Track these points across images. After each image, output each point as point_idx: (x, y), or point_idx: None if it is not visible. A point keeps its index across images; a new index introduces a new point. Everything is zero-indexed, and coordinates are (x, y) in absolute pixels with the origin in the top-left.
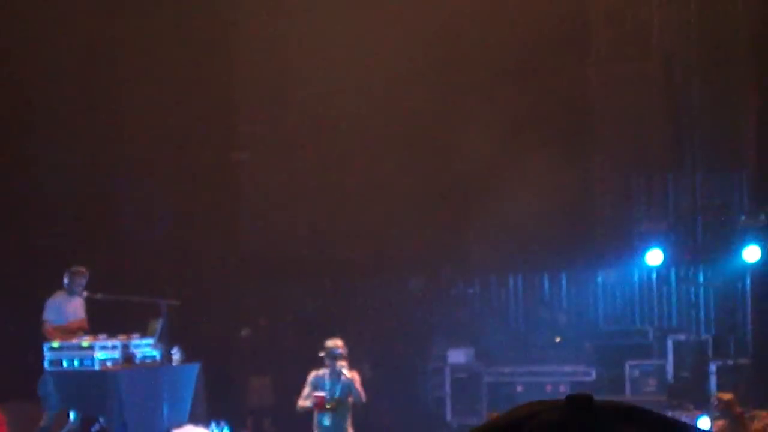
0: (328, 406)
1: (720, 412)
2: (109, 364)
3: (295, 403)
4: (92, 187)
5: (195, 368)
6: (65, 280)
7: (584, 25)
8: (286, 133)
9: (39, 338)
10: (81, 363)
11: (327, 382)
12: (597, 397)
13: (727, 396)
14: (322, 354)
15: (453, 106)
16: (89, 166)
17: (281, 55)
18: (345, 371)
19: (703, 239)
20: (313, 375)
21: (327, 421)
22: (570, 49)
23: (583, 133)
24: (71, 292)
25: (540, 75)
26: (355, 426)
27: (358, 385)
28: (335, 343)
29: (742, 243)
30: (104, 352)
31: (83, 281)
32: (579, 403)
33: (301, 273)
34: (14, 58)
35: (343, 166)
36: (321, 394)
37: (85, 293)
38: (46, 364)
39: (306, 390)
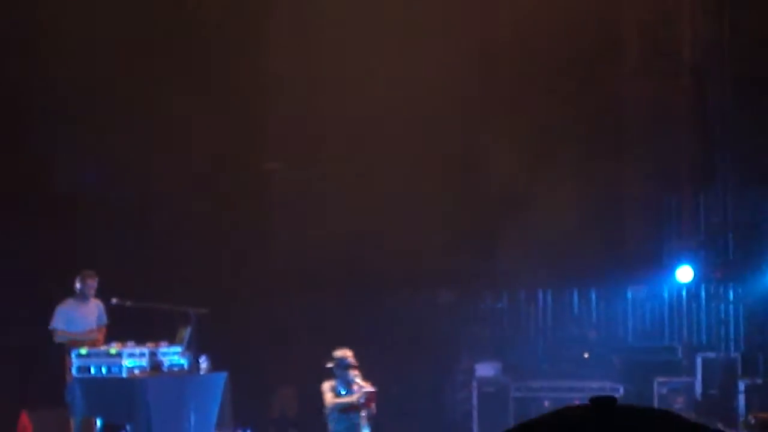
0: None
1: (756, 430)
2: (136, 371)
3: (322, 408)
4: (124, 194)
5: (222, 377)
6: (77, 285)
7: (617, 39)
8: (319, 144)
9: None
10: (108, 370)
11: (343, 392)
12: None
13: (764, 415)
14: (330, 365)
15: (485, 121)
16: (122, 173)
17: (316, 66)
18: (359, 380)
19: (733, 256)
20: (327, 386)
21: (358, 430)
22: (602, 63)
23: (615, 148)
24: (84, 297)
25: (571, 90)
26: None
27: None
28: (344, 353)
29: None
30: (132, 359)
31: (95, 284)
32: (602, 404)
33: (329, 284)
34: (45, 57)
35: (375, 179)
36: (372, 389)
37: (114, 300)
38: (73, 371)
39: (329, 395)
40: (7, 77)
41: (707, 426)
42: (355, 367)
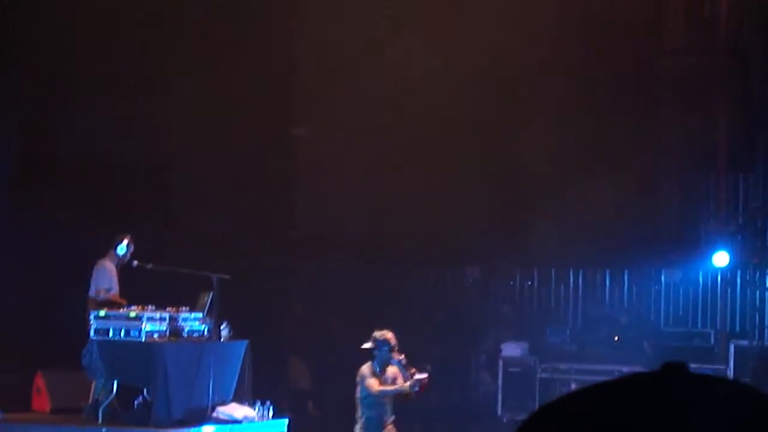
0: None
1: None
2: (155, 336)
3: (359, 392)
4: (147, 158)
5: (243, 345)
6: (124, 249)
7: (657, 17)
8: (347, 112)
9: (81, 307)
10: (127, 333)
11: (384, 375)
12: None
13: None
14: (369, 346)
15: (518, 96)
16: (144, 137)
17: (344, 32)
18: (403, 364)
19: None
20: (368, 370)
21: (387, 414)
22: (641, 41)
23: (652, 128)
24: (121, 262)
25: (609, 69)
26: (402, 417)
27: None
28: (386, 335)
29: None
30: (151, 323)
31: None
32: (675, 368)
33: (355, 256)
34: (70, 30)
35: (404, 151)
36: (425, 376)
37: (135, 262)
38: (91, 333)
39: (373, 380)
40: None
41: None
42: (398, 351)
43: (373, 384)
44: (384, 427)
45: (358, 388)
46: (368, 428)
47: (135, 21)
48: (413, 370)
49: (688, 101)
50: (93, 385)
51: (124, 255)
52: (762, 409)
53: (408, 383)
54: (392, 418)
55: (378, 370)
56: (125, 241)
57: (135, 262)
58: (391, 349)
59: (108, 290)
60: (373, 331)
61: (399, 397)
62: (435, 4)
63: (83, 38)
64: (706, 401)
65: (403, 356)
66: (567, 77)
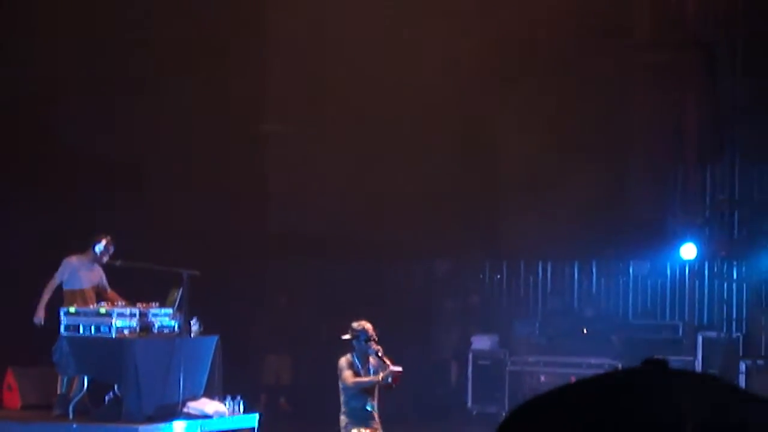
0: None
1: None
2: (126, 332)
3: (339, 383)
4: (120, 154)
5: (213, 341)
6: (102, 247)
7: (627, 12)
8: (318, 107)
9: (54, 303)
10: (98, 330)
11: (361, 366)
12: None
13: None
14: (347, 337)
15: (489, 90)
16: (119, 132)
17: (318, 26)
18: (380, 354)
19: (739, 235)
20: (345, 362)
21: (370, 406)
22: (610, 36)
23: (621, 121)
24: (97, 261)
25: (578, 64)
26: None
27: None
28: (364, 325)
29: None
30: (122, 319)
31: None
32: (656, 364)
33: (325, 251)
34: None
35: (374, 147)
36: (399, 369)
37: (104, 259)
38: (61, 329)
39: (348, 372)
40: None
41: (758, 396)
42: (375, 341)
43: (348, 376)
44: (369, 417)
45: (341, 379)
46: (352, 417)
47: (117, 20)
48: (388, 361)
49: (656, 95)
50: (59, 380)
51: (101, 254)
52: (743, 404)
53: (381, 375)
54: (376, 408)
55: (358, 361)
56: (103, 241)
57: (103, 260)
58: (368, 339)
59: (60, 281)
60: (348, 324)
61: (383, 387)
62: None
63: (65, 35)
64: (690, 397)
65: (379, 347)
66: (536, 73)
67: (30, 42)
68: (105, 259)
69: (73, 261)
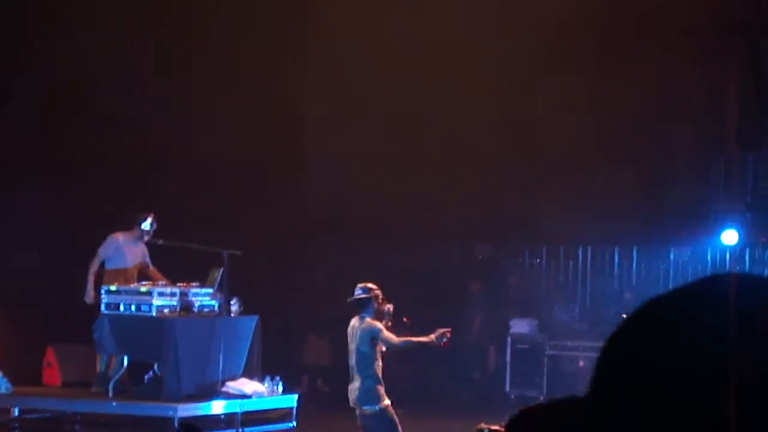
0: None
1: None
2: (166, 311)
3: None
4: (162, 135)
5: (253, 321)
6: (148, 225)
7: None
8: (360, 88)
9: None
10: (138, 308)
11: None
12: None
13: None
14: (367, 295)
15: (530, 75)
16: (160, 113)
17: (359, 8)
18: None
19: None
20: (378, 324)
21: (382, 378)
22: (651, 22)
23: (663, 107)
24: (142, 238)
25: (619, 50)
26: (411, 394)
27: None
28: (374, 286)
29: None
30: (162, 298)
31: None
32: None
33: (366, 233)
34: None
35: (416, 128)
36: (449, 329)
37: (149, 236)
38: (102, 308)
39: (390, 333)
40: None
41: None
42: (386, 300)
43: (393, 336)
44: (383, 393)
45: (369, 345)
46: (369, 395)
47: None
48: (404, 319)
49: (698, 80)
50: (98, 359)
51: (147, 231)
52: None
53: (434, 335)
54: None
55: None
56: (149, 219)
57: (146, 238)
58: (381, 300)
59: (104, 259)
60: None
61: (434, 346)
62: None
63: (102, 12)
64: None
65: (390, 305)
66: (577, 58)
67: (71, 22)
68: (149, 236)
69: (118, 238)
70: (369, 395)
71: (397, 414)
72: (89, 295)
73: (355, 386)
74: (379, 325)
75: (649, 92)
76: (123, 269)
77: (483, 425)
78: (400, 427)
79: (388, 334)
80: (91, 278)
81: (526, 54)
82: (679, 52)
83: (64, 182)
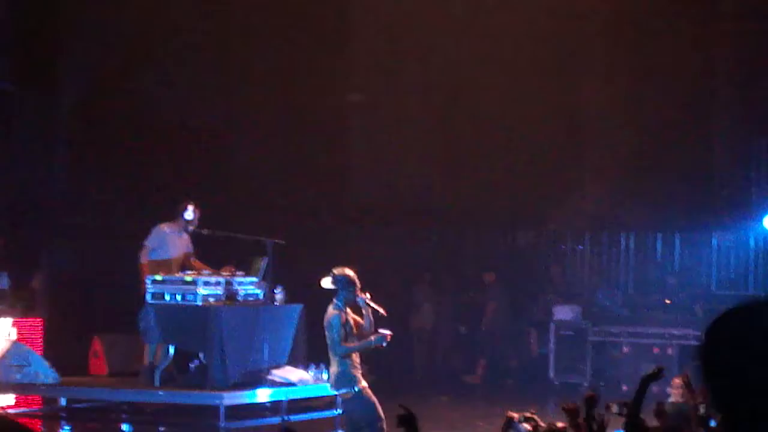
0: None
1: None
2: (211, 300)
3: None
4: (206, 124)
5: (297, 309)
6: (190, 214)
7: None
8: (402, 77)
9: (138, 272)
10: (183, 297)
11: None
12: None
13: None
14: (335, 286)
15: (573, 57)
16: (203, 104)
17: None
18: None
19: None
20: (338, 316)
21: (358, 363)
22: (694, 6)
23: (706, 93)
24: (186, 228)
25: (662, 36)
26: (453, 379)
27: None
28: (350, 273)
29: None
30: (207, 288)
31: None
32: None
33: (408, 221)
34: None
35: (458, 116)
36: (389, 332)
37: (190, 227)
38: (148, 297)
39: (342, 333)
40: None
41: None
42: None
43: (342, 338)
44: (359, 375)
45: (328, 336)
46: (344, 378)
47: None
48: (379, 308)
49: (742, 66)
50: (146, 349)
51: (192, 220)
52: None
53: (373, 339)
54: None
55: (343, 309)
56: (190, 208)
57: (191, 228)
58: (356, 287)
59: (152, 249)
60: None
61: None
62: None
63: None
64: None
65: (366, 294)
66: (620, 45)
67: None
68: (193, 225)
69: (164, 229)
70: (344, 379)
71: (441, 402)
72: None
73: (331, 371)
74: (337, 320)
75: (690, 77)
76: (166, 260)
77: (511, 413)
78: (379, 409)
79: (335, 336)
80: (145, 271)
81: (568, 40)
82: (721, 35)
83: (108, 171)
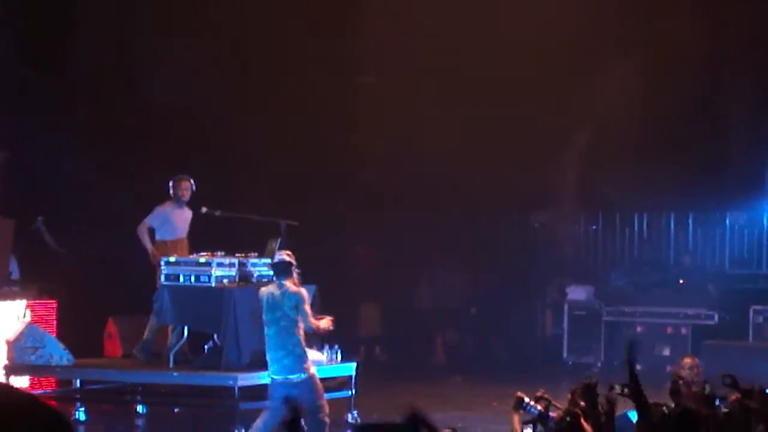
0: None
1: None
2: (225, 281)
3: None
4: (215, 108)
5: (311, 290)
6: (173, 188)
7: None
8: (413, 58)
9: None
10: (197, 279)
11: None
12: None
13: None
14: (288, 260)
15: (589, 39)
16: (215, 85)
17: None
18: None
19: None
20: (306, 294)
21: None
22: None
23: (717, 70)
24: (179, 202)
25: (677, 17)
26: (468, 361)
27: None
28: (288, 253)
29: None
30: (221, 269)
31: (188, 190)
32: None
33: (420, 202)
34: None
35: (469, 97)
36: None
37: (204, 209)
38: (162, 279)
39: (308, 307)
40: None
41: None
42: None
43: (310, 312)
44: (309, 360)
45: (295, 311)
46: (297, 363)
47: None
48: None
49: (757, 45)
50: (149, 327)
51: (174, 194)
52: None
53: (321, 323)
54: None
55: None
56: (171, 182)
57: (204, 209)
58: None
59: (151, 228)
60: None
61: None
62: None
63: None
64: None
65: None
66: (634, 28)
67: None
68: (186, 196)
69: (165, 208)
70: (300, 363)
71: (455, 382)
72: (155, 256)
73: (279, 355)
74: (304, 292)
75: (702, 58)
76: (171, 240)
77: (521, 394)
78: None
79: (308, 308)
80: (146, 245)
81: (585, 26)
82: (734, 18)
83: (121, 154)
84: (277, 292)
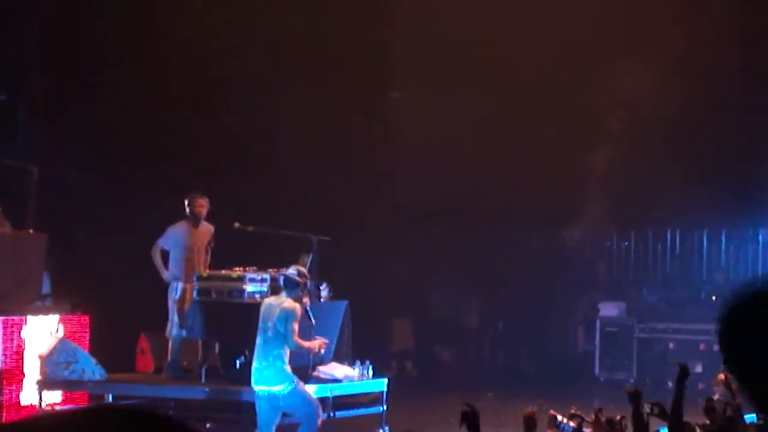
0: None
1: None
2: (257, 297)
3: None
4: (250, 122)
5: (342, 306)
6: (188, 207)
7: None
8: (446, 75)
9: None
10: (229, 294)
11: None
12: None
13: None
14: (299, 279)
15: (623, 54)
16: (247, 101)
17: None
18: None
19: None
20: (299, 310)
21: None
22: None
23: (751, 86)
24: (194, 220)
25: (704, 18)
26: (499, 376)
27: None
28: (304, 270)
29: None
30: (253, 284)
31: (204, 207)
32: None
33: (452, 219)
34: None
35: (502, 114)
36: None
37: (236, 224)
38: (194, 294)
39: (296, 326)
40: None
41: None
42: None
43: (296, 332)
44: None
45: (285, 325)
46: (281, 374)
47: None
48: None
49: None
50: (170, 347)
51: (193, 213)
52: None
53: (317, 346)
54: None
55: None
56: (186, 200)
57: (236, 224)
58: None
59: (163, 248)
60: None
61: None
62: None
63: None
64: None
65: (307, 299)
66: (657, 27)
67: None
68: (203, 214)
69: (174, 229)
70: (281, 375)
71: (487, 398)
72: (164, 274)
73: (261, 366)
74: (299, 312)
75: (737, 69)
76: (182, 259)
77: (554, 412)
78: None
79: (296, 327)
80: (159, 266)
81: (611, 25)
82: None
83: (153, 170)
84: (275, 303)
